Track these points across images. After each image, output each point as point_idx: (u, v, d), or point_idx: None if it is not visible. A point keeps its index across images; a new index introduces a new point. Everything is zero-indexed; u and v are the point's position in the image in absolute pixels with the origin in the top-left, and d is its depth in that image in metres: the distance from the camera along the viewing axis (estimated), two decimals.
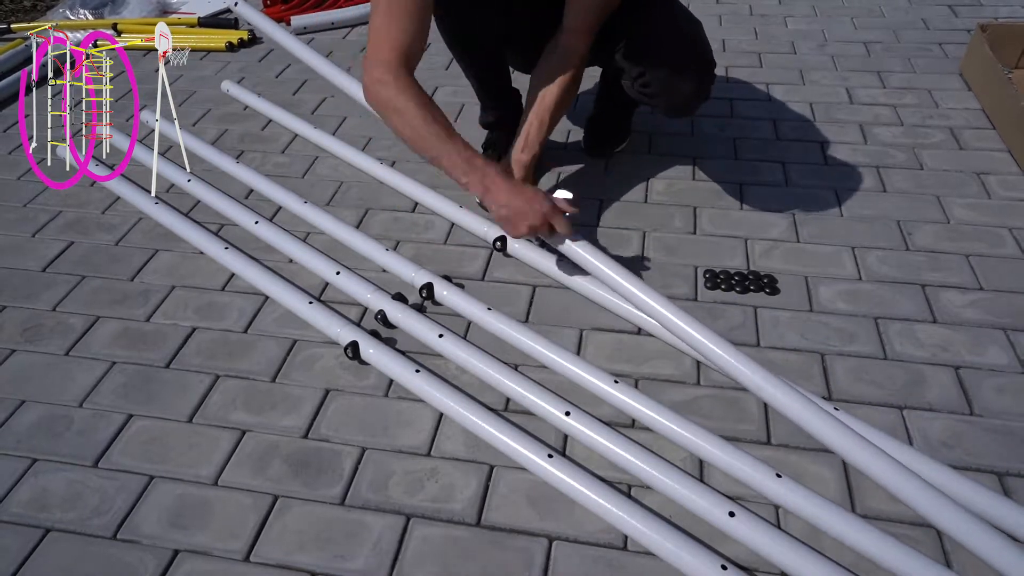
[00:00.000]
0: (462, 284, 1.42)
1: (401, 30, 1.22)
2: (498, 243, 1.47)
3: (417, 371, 1.20)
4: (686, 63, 1.39)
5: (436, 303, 1.38)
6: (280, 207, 1.67)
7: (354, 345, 1.25)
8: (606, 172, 1.74)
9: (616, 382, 1.16)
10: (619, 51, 1.41)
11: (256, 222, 1.58)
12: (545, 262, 1.42)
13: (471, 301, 1.34)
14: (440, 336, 1.27)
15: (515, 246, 1.46)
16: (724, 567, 0.92)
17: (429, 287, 1.37)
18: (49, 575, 0.99)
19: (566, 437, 1.13)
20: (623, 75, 1.44)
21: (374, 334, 1.29)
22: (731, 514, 0.96)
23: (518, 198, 1.24)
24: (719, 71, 2.12)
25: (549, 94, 1.39)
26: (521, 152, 1.43)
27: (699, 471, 1.07)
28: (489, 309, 1.32)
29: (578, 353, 1.26)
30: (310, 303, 1.36)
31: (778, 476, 1.00)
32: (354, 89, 1.89)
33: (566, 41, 1.37)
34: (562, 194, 1.30)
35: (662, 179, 1.70)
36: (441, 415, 1.17)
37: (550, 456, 1.05)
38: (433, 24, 1.44)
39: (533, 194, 1.25)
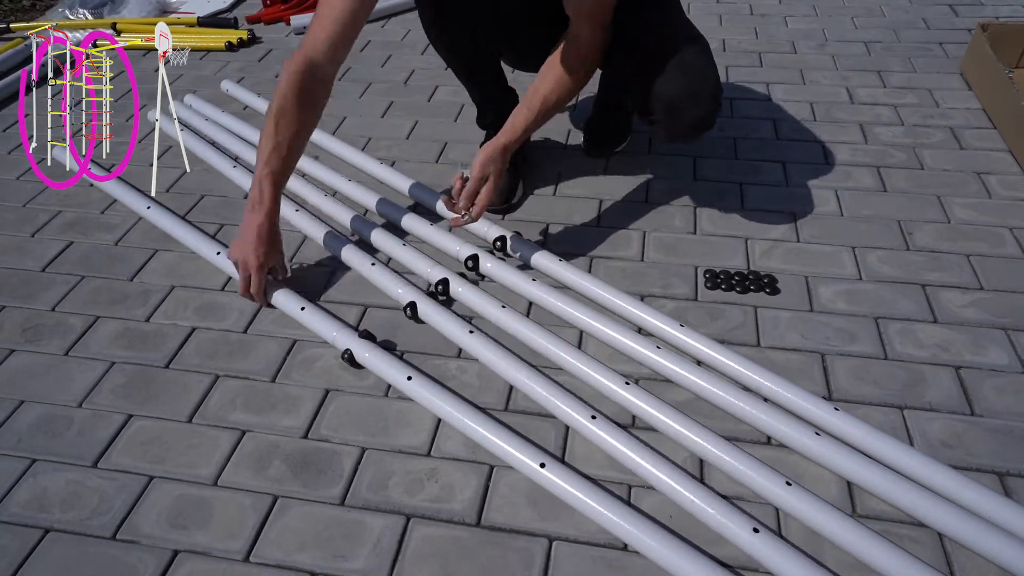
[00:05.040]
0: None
1: (329, 35, 1.27)
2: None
3: (409, 378, 1.19)
4: (690, 96, 1.34)
5: (451, 299, 1.38)
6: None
7: (349, 350, 1.25)
8: (606, 172, 1.74)
9: (627, 384, 1.16)
10: (619, 63, 1.38)
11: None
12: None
13: (485, 297, 1.34)
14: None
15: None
16: (724, 567, 0.91)
17: (445, 282, 1.37)
18: None
19: (566, 439, 1.13)
20: (628, 92, 1.40)
21: (369, 336, 1.29)
22: (756, 529, 0.95)
23: (250, 237, 1.31)
24: (719, 69, 2.14)
25: (544, 84, 1.36)
26: (499, 135, 1.36)
27: (699, 471, 1.07)
28: (504, 307, 1.32)
29: (579, 346, 1.26)
30: (302, 309, 1.34)
31: (788, 484, 1.00)
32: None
33: (572, 29, 1.33)
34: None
35: (662, 179, 1.70)
36: None
37: (542, 465, 1.04)
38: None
39: (259, 244, 1.31)
